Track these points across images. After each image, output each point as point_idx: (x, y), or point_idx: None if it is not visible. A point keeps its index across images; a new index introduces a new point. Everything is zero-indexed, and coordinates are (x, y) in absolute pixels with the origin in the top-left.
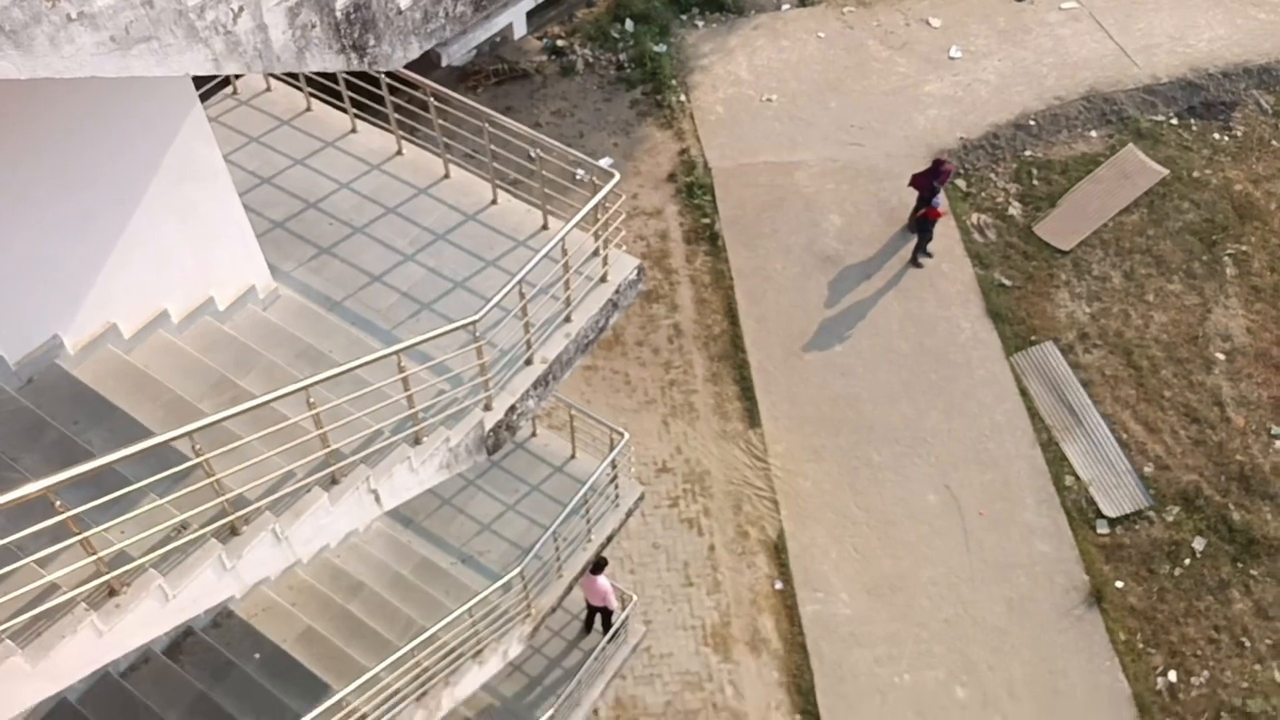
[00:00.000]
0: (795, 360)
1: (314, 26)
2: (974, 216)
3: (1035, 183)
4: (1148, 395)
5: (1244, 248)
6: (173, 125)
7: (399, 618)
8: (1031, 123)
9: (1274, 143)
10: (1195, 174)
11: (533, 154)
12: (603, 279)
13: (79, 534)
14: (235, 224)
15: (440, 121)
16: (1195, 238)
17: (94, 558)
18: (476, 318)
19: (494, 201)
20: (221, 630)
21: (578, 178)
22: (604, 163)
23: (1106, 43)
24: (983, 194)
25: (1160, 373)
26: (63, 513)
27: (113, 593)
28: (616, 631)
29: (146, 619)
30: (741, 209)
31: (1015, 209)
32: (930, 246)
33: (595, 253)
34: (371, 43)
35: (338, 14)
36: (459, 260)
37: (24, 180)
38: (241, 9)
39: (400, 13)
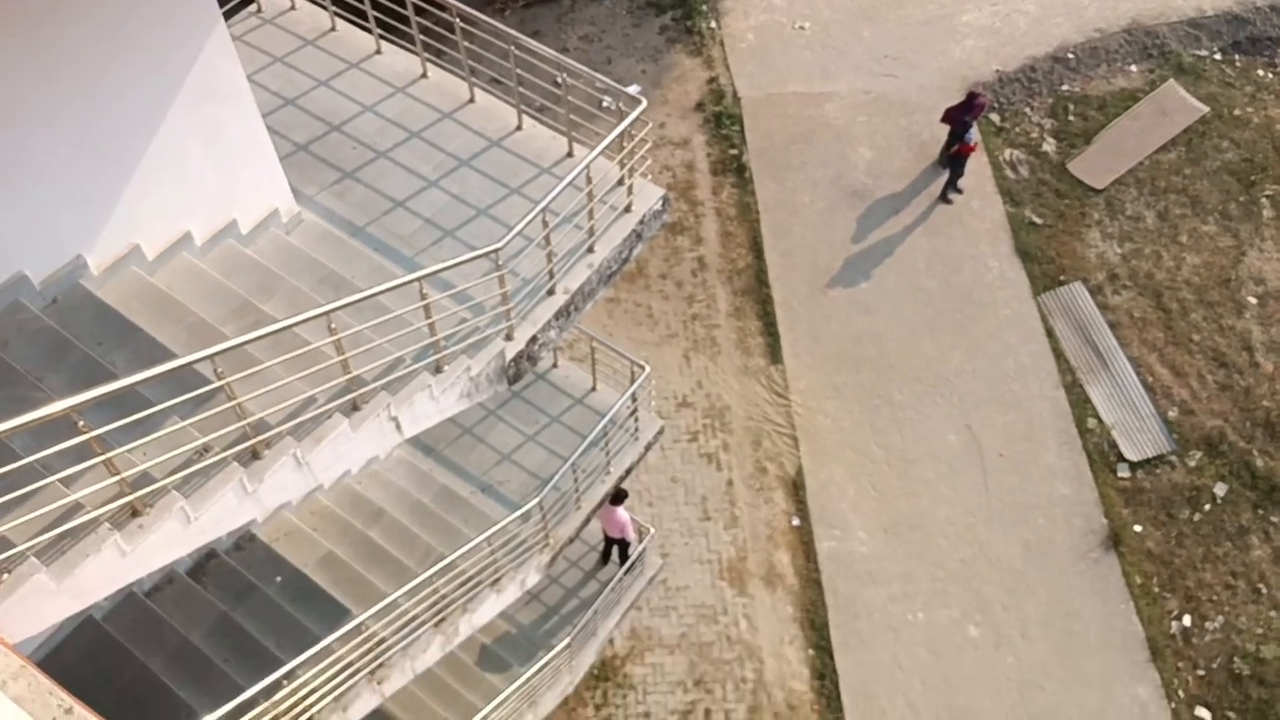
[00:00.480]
0: (819, 296)
1: None
2: (1007, 152)
3: (1071, 118)
4: (1176, 338)
5: None
6: (196, 43)
7: (418, 545)
8: (1070, 56)
9: None
10: (1236, 112)
11: (559, 79)
12: (627, 209)
13: (102, 454)
14: (258, 145)
15: (466, 44)
16: (1233, 178)
17: (117, 478)
18: (499, 246)
19: (519, 127)
20: (244, 553)
21: (604, 105)
22: (632, 90)
23: None
24: (1017, 129)
25: (1190, 316)
26: (86, 433)
27: (135, 513)
28: (633, 563)
29: (169, 540)
30: (770, 140)
31: (1049, 145)
32: (961, 183)
33: (620, 182)
34: None
35: None
36: (482, 187)
37: (46, 99)
38: None
39: None
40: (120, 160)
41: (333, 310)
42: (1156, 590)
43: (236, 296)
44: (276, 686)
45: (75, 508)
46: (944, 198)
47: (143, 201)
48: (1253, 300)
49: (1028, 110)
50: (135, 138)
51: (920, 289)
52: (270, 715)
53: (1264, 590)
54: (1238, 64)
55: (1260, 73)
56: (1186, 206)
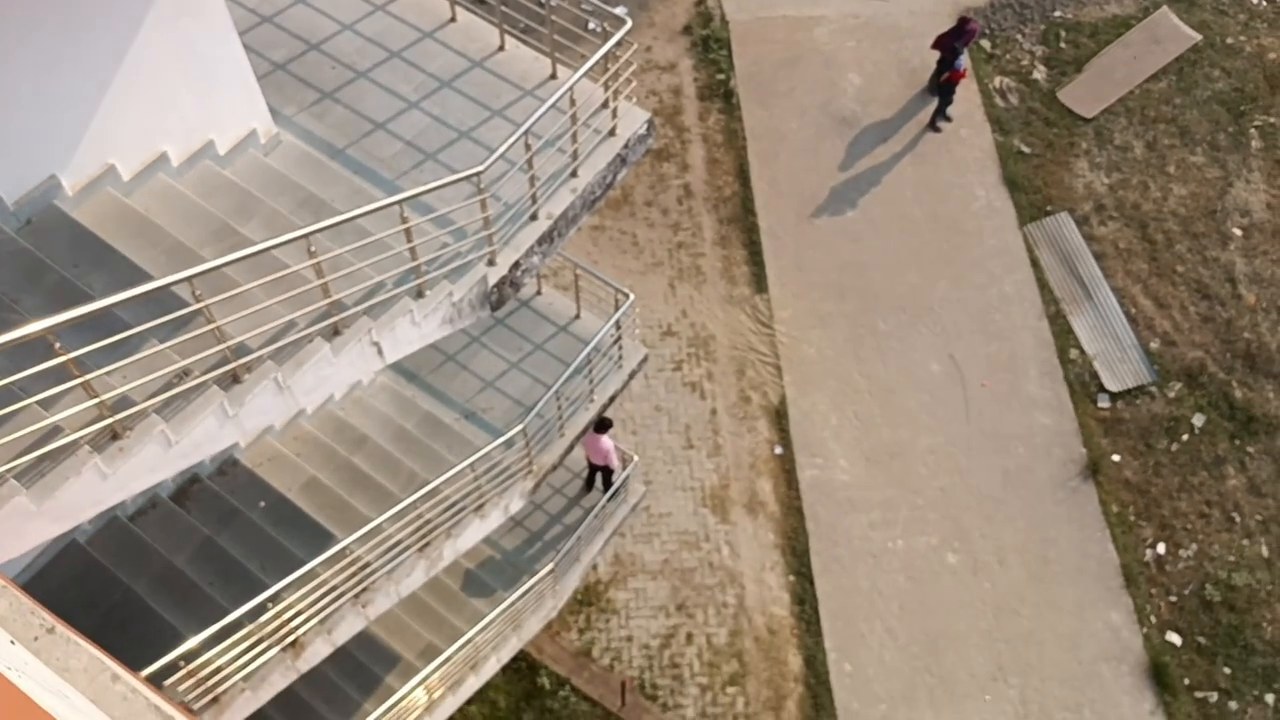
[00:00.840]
0: (805, 225)
1: None
2: (997, 80)
3: (1063, 45)
4: (1160, 270)
5: (1272, 119)
6: None
7: (402, 470)
8: None
9: None
10: (1229, 40)
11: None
12: (611, 132)
13: (80, 377)
14: (235, 64)
15: None
16: (1223, 108)
17: (96, 401)
18: (481, 169)
19: (501, 48)
20: (227, 478)
21: (589, 27)
22: (617, 11)
23: None
24: (1007, 56)
25: (1175, 247)
26: (63, 355)
27: (115, 436)
28: (617, 490)
29: (150, 463)
30: (758, 65)
31: (1040, 73)
32: (950, 110)
33: (604, 105)
34: None
35: None
36: (464, 109)
37: (18, 16)
38: None
39: None
40: (94, 78)
41: (312, 233)
42: (1132, 519)
43: (214, 219)
44: (262, 609)
45: (55, 430)
46: (933, 126)
47: (118, 121)
48: (1238, 232)
49: (1019, 37)
50: (109, 55)
51: (906, 218)
52: (256, 637)
53: (1237, 519)
54: None
55: (1254, 0)
56: (1175, 137)
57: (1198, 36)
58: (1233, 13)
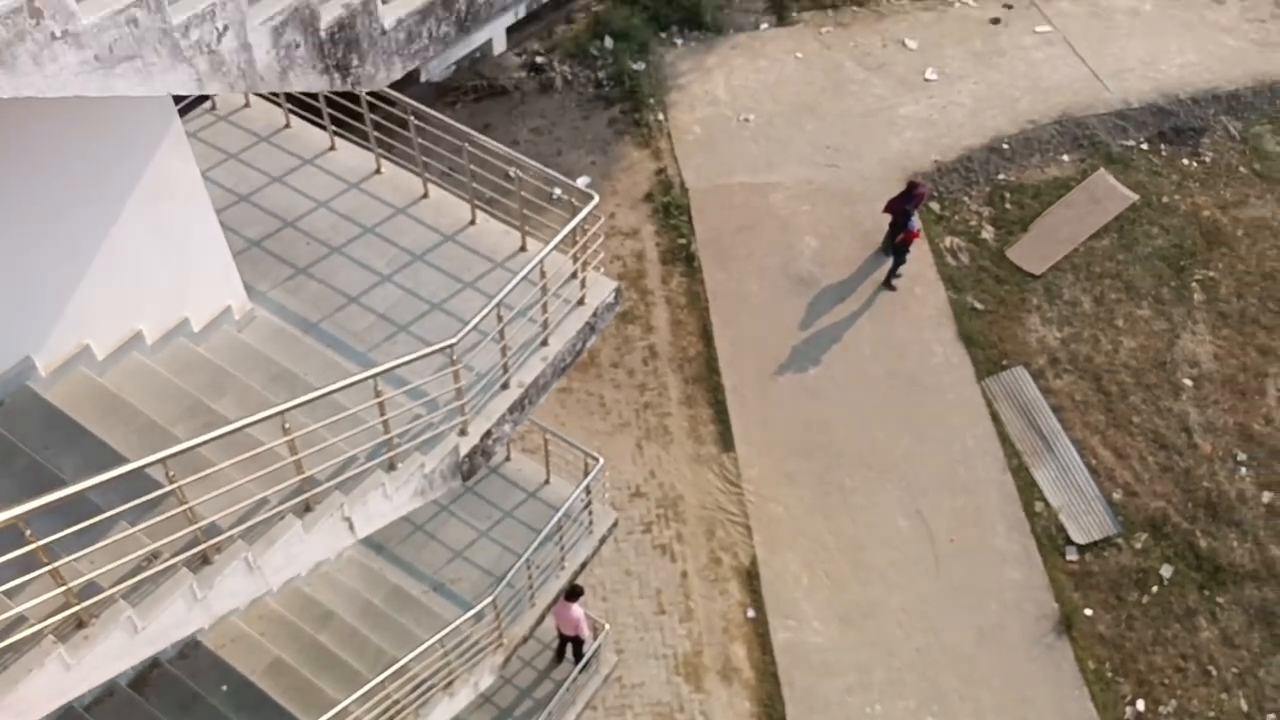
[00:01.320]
0: (769, 383)
1: (298, 46)
2: (947, 240)
3: (1008, 206)
4: (1117, 421)
5: (1211, 274)
6: (151, 141)
7: (369, 648)
8: (1005, 146)
9: (1241, 169)
10: (1164, 199)
11: (511, 174)
12: (580, 302)
13: (48, 564)
14: (212, 243)
15: (419, 140)
16: (1164, 263)
17: (63, 589)
18: (454, 341)
19: (472, 222)
20: (189, 661)
21: (554, 196)
22: (581, 182)
23: (1079, 67)
24: (956, 217)
25: (1129, 398)
26: (33, 542)
27: (81, 625)
28: (588, 661)
29: (115, 651)
30: (718, 230)
31: (988, 232)
32: (902, 269)
33: (573, 275)
34: (355, 63)
35: (322, 34)
36: (437, 282)
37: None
38: (226, 28)
39: (384, 33)
40: (72, 261)
41: (285, 410)
42: (1109, 675)
43: (188, 396)
44: None
45: (18, 620)
46: (888, 284)
47: (94, 302)
48: (1188, 382)
49: (966, 199)
50: (88, 238)
51: (866, 375)
52: None
53: (1214, 672)
54: (1163, 153)
55: (1185, 162)
56: (1121, 291)
57: (1135, 196)
58: (1166, 173)
